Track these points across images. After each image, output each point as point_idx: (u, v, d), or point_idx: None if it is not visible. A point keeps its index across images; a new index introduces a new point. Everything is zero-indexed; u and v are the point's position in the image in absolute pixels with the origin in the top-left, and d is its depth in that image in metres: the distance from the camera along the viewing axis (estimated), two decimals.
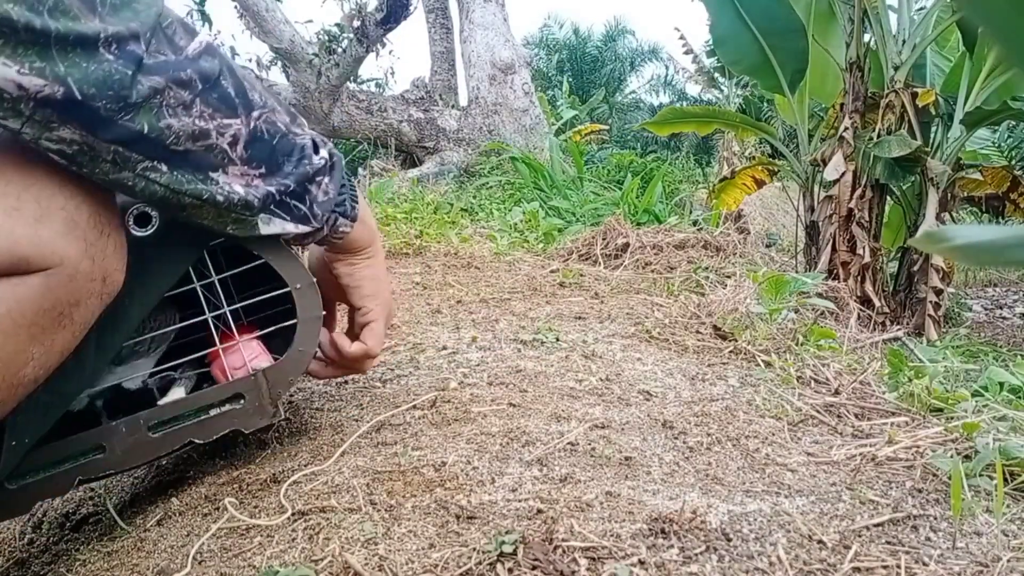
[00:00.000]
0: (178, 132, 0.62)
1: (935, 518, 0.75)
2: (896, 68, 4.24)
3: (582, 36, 17.82)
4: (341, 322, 1.09)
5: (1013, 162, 6.20)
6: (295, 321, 0.89)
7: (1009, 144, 6.71)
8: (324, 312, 0.90)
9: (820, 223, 4.57)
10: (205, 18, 6.14)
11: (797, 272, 3.90)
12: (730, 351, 1.41)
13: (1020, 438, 0.92)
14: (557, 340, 1.41)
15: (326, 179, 0.76)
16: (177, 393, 0.88)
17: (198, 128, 0.63)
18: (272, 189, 0.71)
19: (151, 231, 0.73)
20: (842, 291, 2.53)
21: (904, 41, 4.24)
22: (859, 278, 4.28)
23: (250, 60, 6.28)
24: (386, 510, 0.74)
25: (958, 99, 4.29)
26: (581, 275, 2.16)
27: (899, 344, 2.38)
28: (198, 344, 0.91)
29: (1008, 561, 0.66)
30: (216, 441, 0.88)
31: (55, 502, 1.09)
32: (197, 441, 0.86)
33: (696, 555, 0.65)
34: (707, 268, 2.26)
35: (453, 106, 6.45)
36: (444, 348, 1.37)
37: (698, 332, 1.54)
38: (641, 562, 0.64)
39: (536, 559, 0.64)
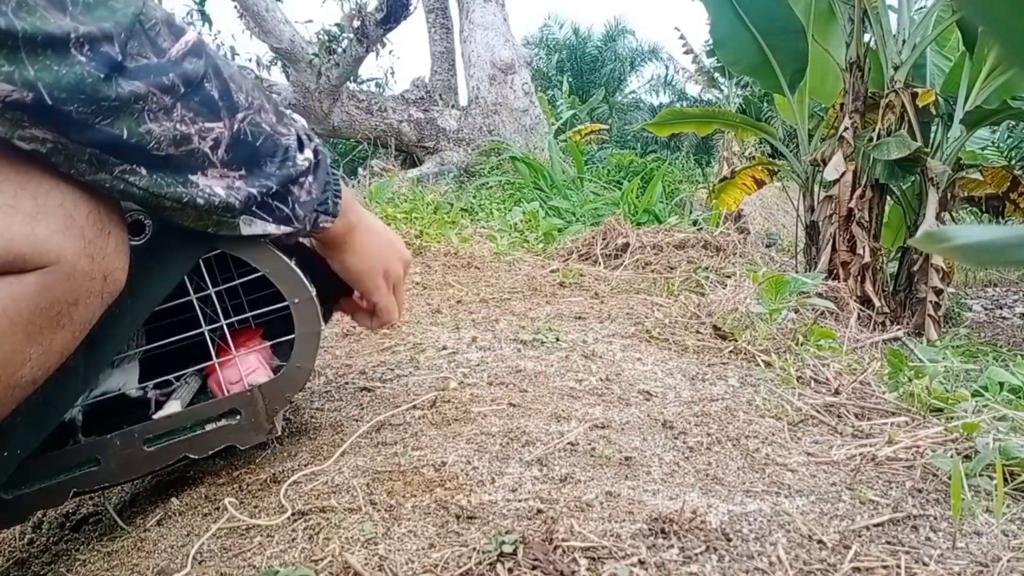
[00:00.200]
0: (159, 137, 0.61)
1: (935, 518, 0.75)
2: (896, 68, 4.24)
3: (582, 36, 17.82)
4: None
5: (1013, 162, 6.20)
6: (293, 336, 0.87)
7: (1009, 144, 6.71)
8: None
9: (820, 223, 4.57)
10: (205, 18, 6.14)
11: (797, 272, 3.90)
12: (730, 351, 1.41)
13: (1020, 438, 0.92)
14: (557, 340, 1.41)
15: (309, 179, 0.75)
16: (172, 407, 0.87)
17: (179, 133, 0.62)
18: (254, 191, 0.69)
19: (145, 240, 0.73)
20: (842, 291, 2.53)
21: (904, 41, 4.24)
22: (859, 278, 4.28)
23: (250, 60, 6.28)
24: (386, 510, 0.74)
25: (958, 99, 4.29)
26: (581, 275, 2.16)
27: (899, 344, 2.38)
28: (194, 351, 0.90)
29: (1008, 561, 0.66)
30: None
31: None
32: (192, 456, 0.85)
33: (696, 555, 0.65)
34: (707, 268, 2.26)
35: (453, 106, 6.45)
36: (444, 348, 1.37)
37: (698, 332, 1.54)
38: (641, 562, 0.64)
39: (536, 559, 0.64)
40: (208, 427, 0.86)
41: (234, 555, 0.71)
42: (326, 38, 5.74)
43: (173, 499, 0.86)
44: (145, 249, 0.74)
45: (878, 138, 4.15)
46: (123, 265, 0.68)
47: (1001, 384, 1.49)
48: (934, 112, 4.33)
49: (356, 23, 5.54)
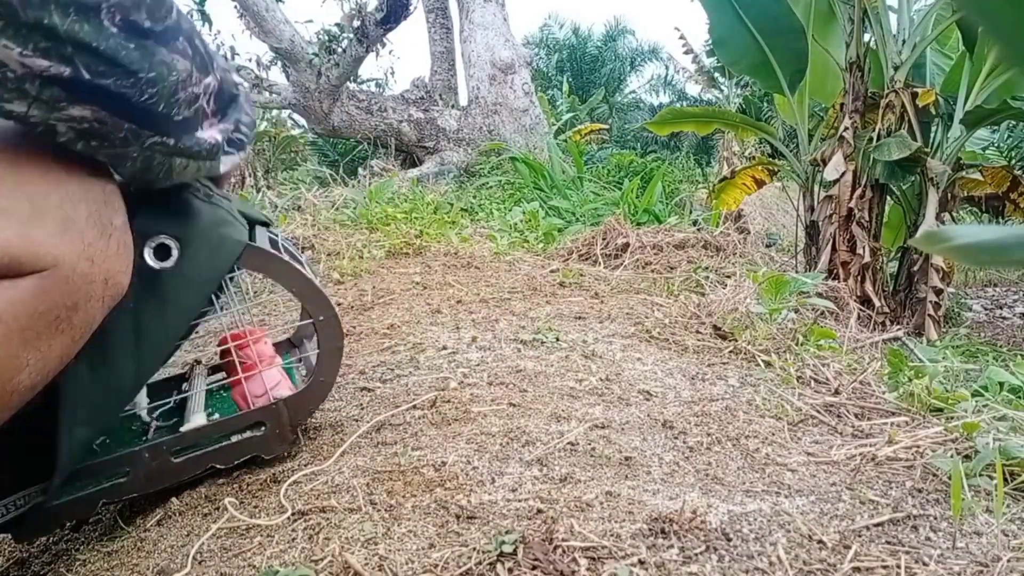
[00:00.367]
0: (182, 103, 0.63)
1: (935, 518, 0.75)
2: (896, 68, 4.24)
3: (582, 36, 17.81)
4: None
5: (1013, 162, 6.20)
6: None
7: (1009, 144, 6.71)
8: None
9: (820, 223, 4.57)
10: (205, 18, 6.13)
11: (797, 272, 3.90)
12: (730, 351, 1.41)
13: (1020, 438, 0.92)
14: (557, 340, 1.41)
15: (247, 108, 0.78)
16: (198, 420, 0.89)
17: (192, 94, 0.64)
18: (229, 127, 0.73)
19: (170, 264, 0.74)
20: (842, 291, 2.53)
21: (904, 41, 4.24)
22: (859, 278, 4.29)
23: (250, 60, 6.28)
24: (386, 510, 0.74)
25: (958, 99, 4.29)
26: (581, 275, 2.16)
27: (899, 344, 2.38)
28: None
29: (1008, 561, 0.66)
30: None
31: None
32: (218, 466, 0.88)
33: (696, 555, 0.65)
34: (707, 268, 2.26)
35: (453, 106, 6.45)
36: (444, 348, 1.37)
37: (698, 332, 1.54)
38: (641, 562, 0.64)
39: (536, 559, 0.63)
40: (234, 438, 0.89)
41: (234, 555, 0.71)
42: (326, 38, 5.74)
43: (173, 499, 0.86)
44: (175, 270, 0.75)
45: (878, 138, 4.15)
46: (126, 268, 0.67)
47: (1001, 384, 1.49)
48: (934, 112, 4.33)
49: (356, 23, 5.54)
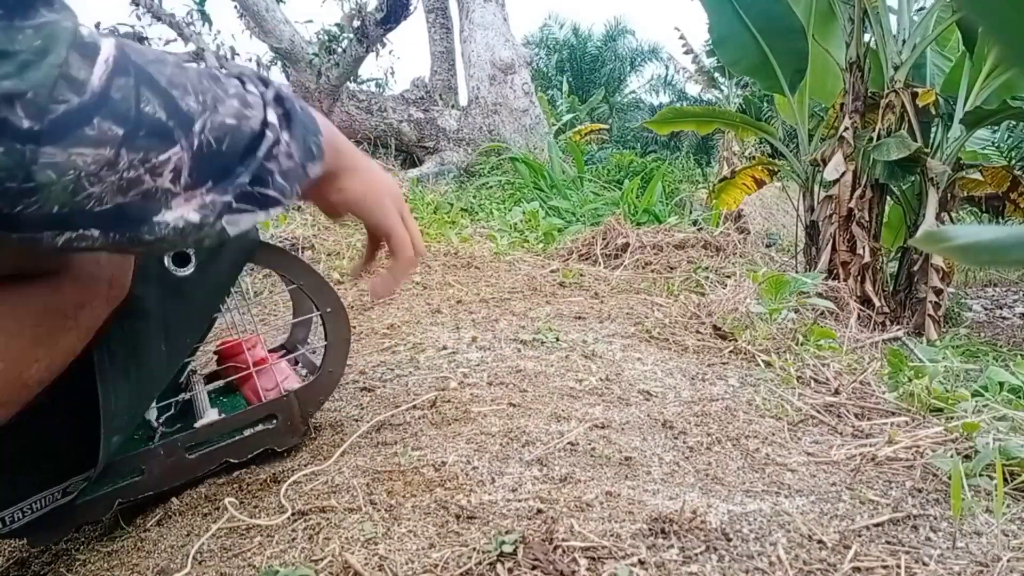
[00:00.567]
0: (101, 195, 0.49)
1: (935, 518, 0.75)
2: (896, 68, 4.24)
3: (582, 36, 17.82)
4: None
5: (1013, 162, 6.20)
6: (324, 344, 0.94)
7: (1009, 144, 6.71)
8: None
9: (820, 223, 4.57)
10: (205, 18, 6.14)
11: (797, 272, 3.90)
12: (730, 351, 1.41)
13: (1020, 438, 0.92)
14: (557, 340, 1.41)
15: (284, 141, 0.61)
16: (211, 415, 0.90)
17: (126, 179, 0.50)
18: (228, 199, 0.57)
19: (190, 270, 0.75)
20: (842, 291, 2.53)
21: (904, 41, 4.24)
22: (859, 278, 4.29)
23: (250, 60, 6.28)
24: (386, 510, 0.74)
25: (958, 99, 4.29)
26: (581, 275, 2.16)
27: (899, 344, 2.38)
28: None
29: (1008, 561, 0.66)
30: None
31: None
32: (232, 460, 0.89)
33: (696, 555, 0.65)
34: (707, 268, 2.26)
35: (453, 106, 6.45)
36: (444, 348, 1.37)
37: (698, 332, 1.54)
38: (641, 562, 0.64)
39: (536, 559, 0.63)
40: (247, 432, 0.90)
41: (234, 555, 0.71)
42: (326, 38, 5.74)
43: (173, 499, 0.86)
44: (196, 272, 0.76)
45: (878, 138, 4.15)
46: (127, 271, 0.68)
47: (1001, 384, 1.49)
48: (934, 112, 4.33)
49: (356, 23, 5.54)
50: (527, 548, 0.65)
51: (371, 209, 0.76)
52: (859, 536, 0.70)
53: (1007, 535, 0.71)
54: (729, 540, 0.68)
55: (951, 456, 0.88)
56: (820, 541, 0.69)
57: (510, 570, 0.62)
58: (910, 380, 1.22)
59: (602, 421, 0.99)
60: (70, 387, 0.69)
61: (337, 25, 5.76)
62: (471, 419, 0.99)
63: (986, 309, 7.11)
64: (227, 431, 0.89)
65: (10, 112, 0.44)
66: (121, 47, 0.50)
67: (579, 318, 1.65)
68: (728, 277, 2.10)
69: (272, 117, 0.60)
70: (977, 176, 4.23)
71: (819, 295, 2.10)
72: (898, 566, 0.65)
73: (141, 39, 5.98)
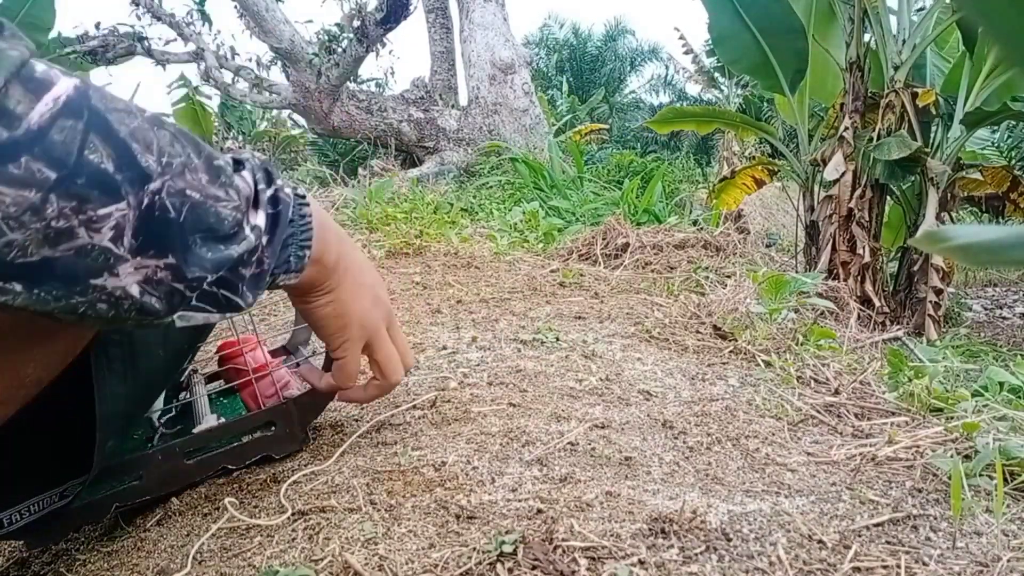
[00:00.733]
0: (23, 244, 0.44)
1: (935, 518, 0.75)
2: (896, 68, 4.25)
3: (582, 36, 17.83)
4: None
5: (1013, 162, 6.20)
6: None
7: (1009, 144, 6.72)
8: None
9: (820, 223, 4.57)
10: (205, 18, 6.14)
11: (797, 272, 3.90)
12: (730, 351, 1.41)
13: (1020, 438, 0.92)
14: (557, 340, 1.41)
15: (261, 248, 0.57)
16: (210, 420, 0.90)
17: (54, 230, 0.45)
18: (181, 287, 0.52)
19: None
20: (842, 291, 2.53)
21: (904, 41, 4.24)
22: (859, 278, 4.29)
23: (250, 60, 6.29)
24: (386, 510, 0.74)
25: (958, 99, 4.30)
26: (581, 275, 2.16)
27: (899, 344, 2.38)
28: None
29: (1008, 561, 0.66)
30: None
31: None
32: (230, 467, 0.88)
33: (696, 555, 0.65)
34: (707, 268, 2.26)
35: (453, 106, 6.45)
36: (444, 348, 1.37)
37: (698, 332, 1.54)
38: (641, 562, 0.64)
39: (536, 559, 0.64)
40: (245, 438, 0.90)
41: (234, 555, 0.71)
42: (326, 38, 5.75)
43: (173, 499, 0.86)
44: None
45: (878, 138, 4.16)
46: None
47: (1001, 384, 1.49)
48: (934, 112, 4.34)
49: (356, 23, 5.54)
50: (527, 548, 0.65)
51: (331, 338, 0.77)
52: (859, 536, 0.70)
53: (1007, 535, 0.71)
54: (729, 540, 0.68)
55: (951, 456, 0.88)
56: (820, 541, 0.69)
57: (510, 570, 0.62)
58: (910, 380, 1.22)
59: (602, 421, 0.99)
60: (67, 390, 0.69)
61: (337, 25, 5.77)
62: (471, 419, 0.99)
63: (986, 309, 7.12)
64: (226, 437, 0.89)
65: None
66: (82, 90, 0.46)
67: (579, 318, 1.65)
68: (728, 277, 2.10)
69: (258, 219, 0.56)
70: (977, 176, 4.23)
71: (819, 295, 2.10)
72: (898, 566, 0.65)
73: (141, 39, 5.99)
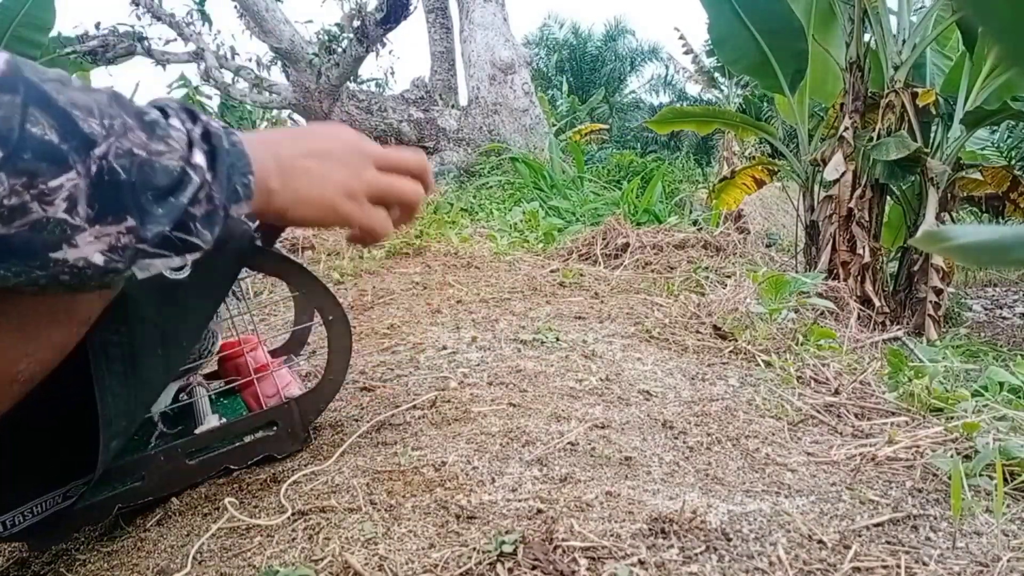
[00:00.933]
0: None
1: (935, 518, 0.75)
2: (896, 68, 4.24)
3: (582, 36, 17.83)
4: None
5: (1013, 162, 6.20)
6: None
7: (1009, 144, 6.72)
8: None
9: (820, 223, 4.57)
10: (205, 18, 6.14)
11: (797, 272, 3.90)
12: (730, 351, 1.41)
13: (1020, 438, 0.92)
14: (557, 340, 1.41)
15: (207, 183, 0.56)
16: (212, 421, 0.90)
17: (7, 208, 0.45)
18: (144, 246, 0.53)
19: (185, 274, 0.74)
20: (842, 291, 2.53)
21: (904, 41, 4.24)
22: (859, 278, 4.29)
23: (250, 60, 6.29)
24: (386, 510, 0.74)
25: (958, 99, 4.30)
26: (581, 275, 2.16)
27: (899, 344, 2.38)
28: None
29: (1008, 561, 0.66)
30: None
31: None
32: (232, 467, 0.89)
33: (696, 555, 0.65)
34: (707, 268, 2.26)
35: (453, 106, 6.45)
36: (444, 348, 1.37)
37: (698, 332, 1.54)
38: (641, 562, 0.64)
39: (536, 559, 0.64)
40: (247, 439, 0.90)
41: (234, 555, 0.71)
42: (326, 38, 5.75)
43: (173, 499, 0.86)
44: (192, 277, 0.75)
45: (878, 138, 4.16)
46: None
47: (1001, 384, 1.49)
48: (934, 112, 4.34)
49: (356, 23, 5.54)
50: (527, 548, 0.65)
51: (334, 225, 0.72)
52: (859, 536, 0.70)
53: (1007, 535, 0.71)
54: (729, 540, 0.68)
55: (951, 456, 0.88)
56: (820, 541, 0.69)
57: (510, 570, 0.62)
58: (910, 380, 1.22)
59: (602, 421, 0.99)
60: (68, 391, 0.69)
61: (337, 25, 5.77)
62: (471, 419, 0.99)
63: (986, 309, 7.12)
64: (227, 437, 0.89)
65: None
66: (13, 63, 0.46)
67: (579, 318, 1.65)
68: (728, 277, 2.10)
69: (198, 158, 0.56)
70: (977, 176, 4.23)
71: (819, 295, 2.10)
72: (898, 566, 0.65)
73: (141, 39, 5.99)
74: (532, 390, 1.12)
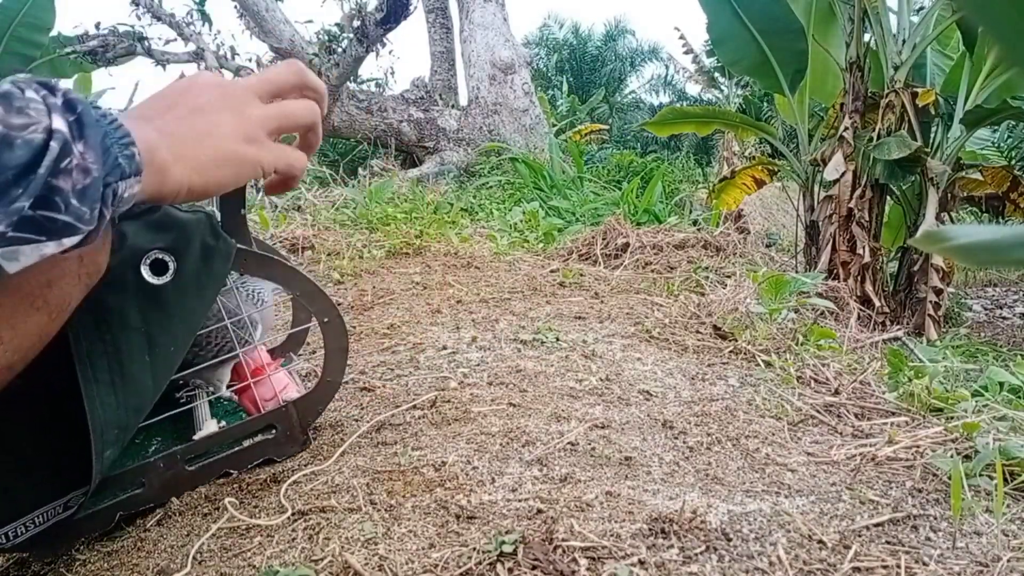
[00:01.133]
0: None
1: (935, 518, 0.75)
2: (896, 68, 4.24)
3: (582, 36, 17.82)
4: None
5: (1013, 162, 6.20)
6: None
7: (1009, 144, 6.71)
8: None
9: (820, 223, 4.57)
10: (205, 18, 6.14)
11: (797, 272, 3.90)
12: (730, 351, 1.41)
13: (1020, 438, 0.92)
14: (557, 340, 1.41)
15: (76, 154, 0.50)
16: (211, 427, 0.90)
17: None
18: (1, 228, 0.48)
19: (169, 278, 0.74)
20: (842, 291, 2.53)
21: (904, 41, 4.24)
22: (859, 278, 4.29)
23: (250, 60, 6.29)
24: (386, 510, 0.74)
25: (958, 99, 4.30)
26: (581, 275, 2.16)
27: (899, 344, 2.38)
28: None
29: (1008, 561, 0.66)
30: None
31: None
32: (232, 472, 0.89)
33: (696, 555, 0.65)
34: (707, 268, 2.26)
35: (453, 106, 6.45)
36: (444, 348, 1.37)
37: (698, 332, 1.54)
38: (641, 562, 0.64)
39: (536, 559, 0.64)
40: (246, 443, 0.90)
41: (234, 555, 0.71)
42: (326, 38, 5.75)
43: (173, 499, 0.86)
44: (175, 282, 0.74)
45: (878, 138, 4.16)
46: (101, 248, 0.63)
47: (1001, 384, 1.49)
48: (934, 112, 4.34)
49: (356, 23, 5.54)
50: (527, 548, 0.65)
51: (240, 180, 0.64)
52: (859, 536, 0.70)
53: (1007, 535, 0.71)
54: (729, 540, 0.68)
55: (951, 456, 0.88)
56: (820, 541, 0.69)
57: (510, 570, 0.62)
58: (910, 380, 1.22)
59: (602, 421, 0.99)
60: (64, 402, 0.68)
61: (337, 25, 5.77)
62: (471, 419, 0.99)
63: (986, 309, 7.12)
64: (226, 441, 0.89)
65: None
66: None
67: (579, 318, 1.65)
68: (728, 277, 2.10)
69: (60, 124, 0.50)
70: (977, 176, 4.23)
71: (819, 295, 2.10)
72: (898, 566, 0.65)
73: (141, 39, 5.99)
74: (532, 390, 1.12)
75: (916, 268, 4.47)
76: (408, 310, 1.73)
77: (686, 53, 11.45)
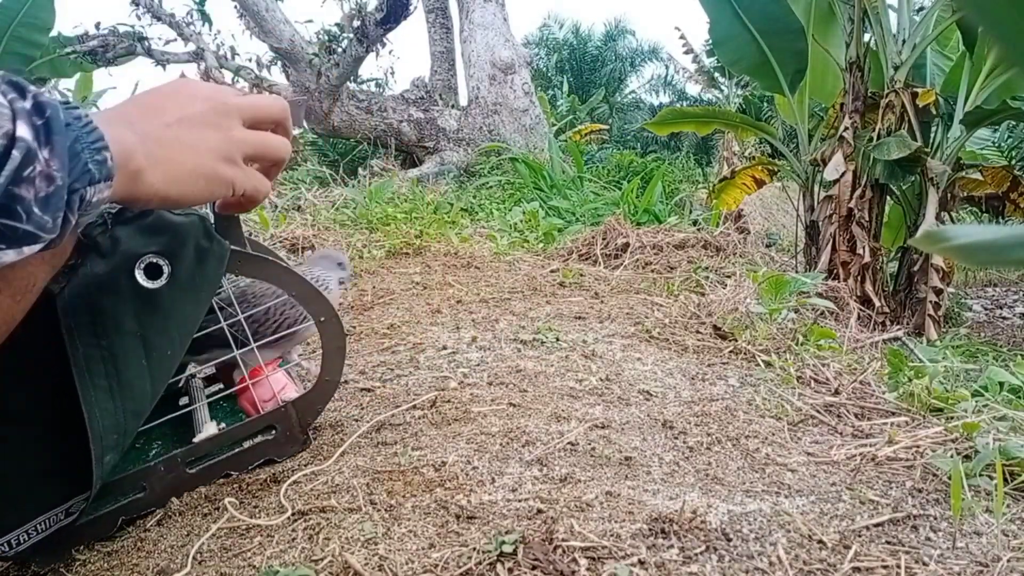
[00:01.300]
0: None
1: (935, 518, 0.75)
2: (896, 68, 4.24)
3: (582, 36, 17.82)
4: None
5: (1013, 162, 6.20)
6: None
7: (1009, 144, 6.71)
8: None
9: (820, 223, 4.57)
10: (205, 18, 6.14)
11: (797, 272, 3.90)
12: (730, 351, 1.41)
13: (1020, 438, 0.92)
14: (557, 340, 1.41)
15: (40, 161, 0.48)
16: (211, 429, 0.90)
17: None
18: None
19: (163, 282, 0.73)
20: (842, 291, 2.53)
21: (904, 41, 4.24)
22: (859, 278, 4.29)
23: (250, 60, 6.29)
24: (386, 510, 0.74)
25: (958, 99, 4.30)
26: (581, 275, 2.16)
27: (899, 344, 2.38)
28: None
29: (1008, 561, 0.66)
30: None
31: None
32: (232, 473, 0.89)
33: (696, 555, 0.65)
34: (707, 268, 2.26)
35: (453, 106, 6.45)
36: (444, 348, 1.37)
37: (698, 332, 1.54)
38: (641, 562, 0.64)
39: (536, 559, 0.64)
40: (246, 444, 0.90)
41: (234, 555, 0.71)
42: (326, 38, 5.75)
43: (173, 499, 0.86)
44: (170, 285, 0.74)
45: (878, 138, 4.16)
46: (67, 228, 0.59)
47: (1001, 384, 1.49)
48: (934, 112, 4.34)
49: (356, 23, 5.54)
50: (527, 548, 0.65)
51: (212, 198, 0.65)
52: (859, 536, 0.70)
53: (1007, 535, 0.71)
54: (729, 540, 0.68)
55: (951, 456, 0.88)
56: (820, 541, 0.69)
57: (510, 570, 0.62)
58: (910, 380, 1.22)
59: (602, 421, 0.99)
60: (63, 408, 0.68)
61: (337, 25, 5.77)
62: (471, 419, 0.99)
63: (986, 309, 7.12)
64: (227, 443, 0.89)
65: None
66: None
67: (579, 318, 1.65)
68: (728, 277, 2.10)
69: (24, 131, 0.48)
70: (977, 176, 4.23)
71: (819, 295, 2.10)
72: (898, 566, 0.65)
73: (141, 39, 5.99)
74: (532, 390, 1.12)
75: (916, 268, 4.48)
76: (408, 310, 1.73)
77: (686, 53, 11.45)
